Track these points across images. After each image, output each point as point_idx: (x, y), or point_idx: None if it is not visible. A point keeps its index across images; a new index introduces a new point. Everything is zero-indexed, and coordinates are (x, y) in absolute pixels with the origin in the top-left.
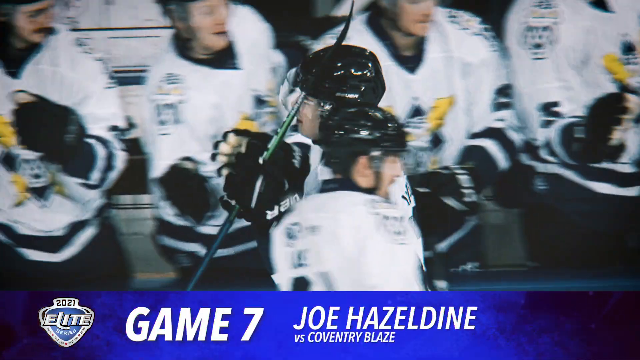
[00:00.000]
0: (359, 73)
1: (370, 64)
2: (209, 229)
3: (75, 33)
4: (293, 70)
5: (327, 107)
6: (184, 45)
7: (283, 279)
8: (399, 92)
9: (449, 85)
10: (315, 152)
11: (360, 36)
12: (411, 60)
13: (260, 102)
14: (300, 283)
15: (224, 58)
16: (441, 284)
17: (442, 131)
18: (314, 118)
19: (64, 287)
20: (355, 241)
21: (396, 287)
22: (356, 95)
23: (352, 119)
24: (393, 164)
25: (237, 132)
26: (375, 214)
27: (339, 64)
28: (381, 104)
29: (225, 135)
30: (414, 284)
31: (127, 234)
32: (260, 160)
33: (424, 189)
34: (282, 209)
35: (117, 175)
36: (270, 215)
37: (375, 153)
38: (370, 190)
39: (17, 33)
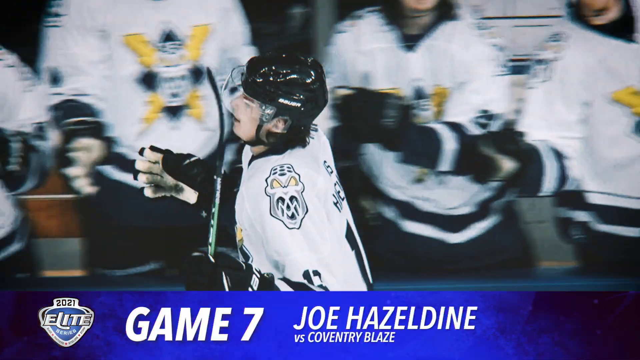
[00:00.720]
0: (306, 82)
1: (315, 74)
2: (600, 197)
3: (475, 15)
4: (237, 69)
5: (269, 111)
6: (578, 9)
7: None
8: None
9: None
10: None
11: None
12: None
13: None
14: None
15: (621, 28)
16: None
17: None
18: (253, 120)
19: (456, 273)
20: None
21: None
22: (299, 104)
23: None
24: None
25: (153, 147)
26: None
27: (285, 71)
28: None
29: (141, 151)
30: None
31: (530, 222)
32: (212, 260)
33: None
34: (255, 287)
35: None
36: None
37: None
38: None
39: (404, 3)
